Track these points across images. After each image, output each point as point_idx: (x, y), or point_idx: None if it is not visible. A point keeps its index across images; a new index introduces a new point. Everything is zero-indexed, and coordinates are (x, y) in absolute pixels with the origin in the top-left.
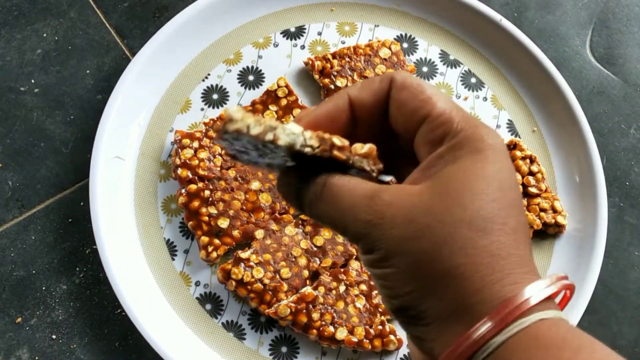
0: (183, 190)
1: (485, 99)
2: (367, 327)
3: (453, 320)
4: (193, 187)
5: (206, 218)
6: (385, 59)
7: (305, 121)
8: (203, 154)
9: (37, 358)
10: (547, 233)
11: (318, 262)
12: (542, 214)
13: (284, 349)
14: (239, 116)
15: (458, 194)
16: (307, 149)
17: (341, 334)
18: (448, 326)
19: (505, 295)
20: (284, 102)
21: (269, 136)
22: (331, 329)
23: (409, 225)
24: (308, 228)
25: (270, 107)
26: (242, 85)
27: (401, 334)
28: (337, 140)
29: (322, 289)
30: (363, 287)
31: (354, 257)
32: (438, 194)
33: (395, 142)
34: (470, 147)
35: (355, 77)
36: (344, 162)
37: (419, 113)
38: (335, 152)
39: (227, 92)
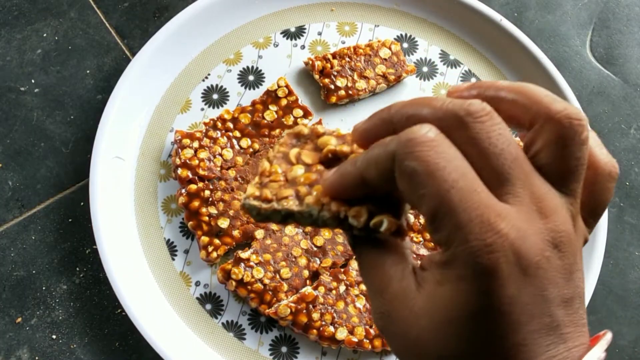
0: (183, 190)
1: None
2: (367, 327)
3: None
4: (193, 187)
5: (206, 218)
6: (385, 59)
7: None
8: (203, 154)
9: (37, 358)
10: None
11: (318, 262)
12: None
13: (284, 349)
14: (250, 191)
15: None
16: (314, 212)
17: (341, 334)
18: None
19: None
20: (284, 102)
21: (279, 207)
22: (331, 329)
23: (405, 346)
24: (308, 228)
25: (270, 107)
26: (242, 85)
27: None
28: (332, 205)
29: (322, 289)
30: (363, 287)
31: (354, 257)
32: (429, 327)
33: None
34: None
35: (356, 77)
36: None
37: (433, 213)
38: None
39: (227, 92)
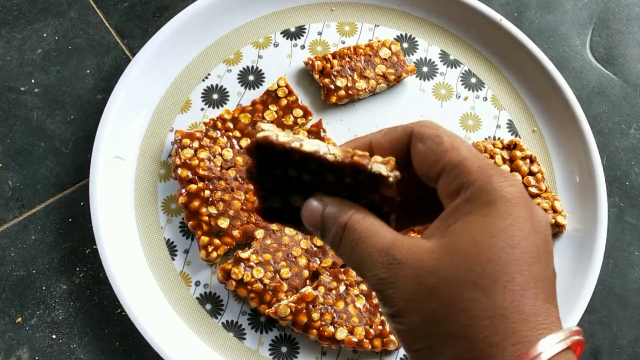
0: (183, 190)
1: (485, 99)
2: (367, 327)
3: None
4: (193, 187)
5: (206, 218)
6: (385, 59)
7: None
8: (203, 154)
9: (37, 358)
10: None
11: (318, 262)
12: None
13: (284, 349)
14: (268, 127)
15: (464, 253)
16: (330, 156)
17: (341, 334)
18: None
19: (507, 357)
20: (284, 102)
21: (295, 144)
22: (331, 329)
23: (418, 286)
24: None
25: (270, 107)
26: (242, 85)
27: None
28: (358, 151)
29: (322, 289)
30: (363, 287)
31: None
32: (446, 253)
33: (423, 189)
34: (481, 200)
35: (356, 77)
36: (364, 170)
37: (438, 165)
38: (356, 158)
39: (227, 92)
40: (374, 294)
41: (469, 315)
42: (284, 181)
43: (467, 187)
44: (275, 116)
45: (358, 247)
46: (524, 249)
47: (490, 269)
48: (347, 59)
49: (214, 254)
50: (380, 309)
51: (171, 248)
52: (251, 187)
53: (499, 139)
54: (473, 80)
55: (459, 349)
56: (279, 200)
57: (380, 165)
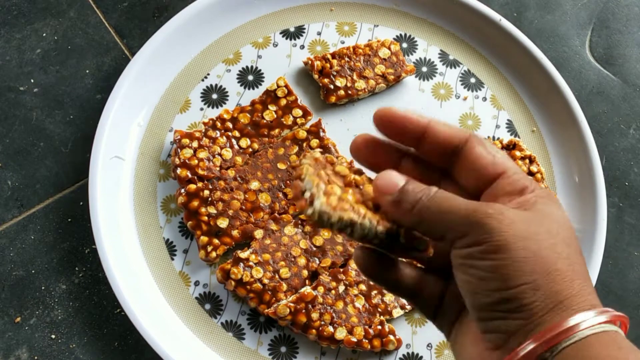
0: (182, 190)
1: (484, 99)
2: (367, 327)
3: (552, 314)
4: (192, 187)
5: (205, 218)
6: (384, 59)
7: (384, 115)
8: (202, 154)
9: (36, 358)
10: None
11: (317, 262)
12: None
13: (283, 349)
14: (319, 203)
15: (552, 223)
16: (374, 229)
17: (340, 333)
18: (546, 319)
19: (584, 307)
20: (283, 102)
21: (348, 230)
22: (330, 328)
23: (527, 227)
24: (307, 228)
25: (269, 106)
26: (241, 85)
27: (400, 334)
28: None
29: (321, 289)
30: (362, 287)
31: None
32: (539, 218)
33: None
34: (545, 198)
35: (355, 76)
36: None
37: (497, 167)
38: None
39: (227, 91)
40: (373, 292)
41: (568, 262)
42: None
43: (532, 190)
44: (275, 116)
45: (449, 201)
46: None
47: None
48: (347, 58)
49: (213, 254)
50: (458, 254)
51: (170, 248)
52: (250, 187)
53: (498, 139)
54: (472, 80)
55: (558, 287)
56: None
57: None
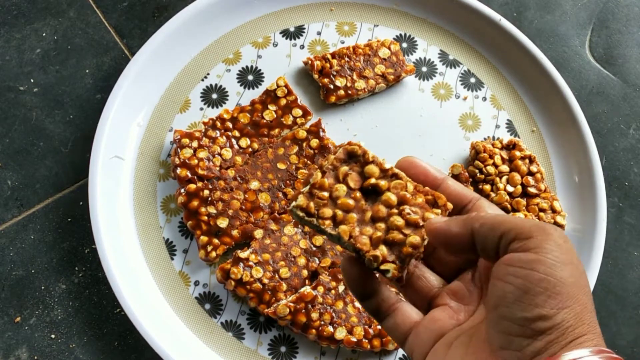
0: (182, 190)
1: (484, 98)
2: (366, 326)
3: (570, 345)
4: (192, 186)
5: (205, 218)
6: (384, 59)
7: (405, 162)
8: (202, 154)
9: (36, 357)
10: None
11: (317, 261)
12: (541, 214)
13: (283, 349)
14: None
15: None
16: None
17: (340, 333)
18: (567, 337)
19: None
20: (283, 101)
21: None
22: (330, 328)
23: (572, 255)
24: (307, 228)
25: (269, 106)
26: (241, 85)
27: None
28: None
29: (321, 289)
30: None
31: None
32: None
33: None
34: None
35: (355, 76)
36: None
37: (498, 230)
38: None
39: (227, 91)
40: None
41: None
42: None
43: (527, 237)
44: (275, 116)
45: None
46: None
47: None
48: (347, 58)
49: (213, 254)
50: (517, 252)
51: (170, 248)
52: (250, 187)
53: (498, 138)
54: (472, 80)
55: (582, 318)
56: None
57: (368, 262)
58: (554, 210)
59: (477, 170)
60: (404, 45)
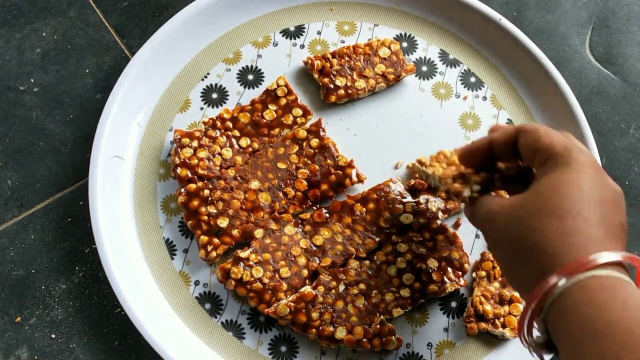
0: (182, 190)
1: (484, 98)
2: (367, 326)
3: (538, 282)
4: (192, 186)
5: (205, 217)
6: (384, 58)
7: (459, 152)
8: (202, 153)
9: (36, 357)
10: None
11: (317, 261)
12: None
13: (283, 349)
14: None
15: (543, 193)
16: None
17: (340, 333)
18: (535, 286)
19: (568, 260)
20: (283, 101)
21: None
22: (330, 328)
23: (507, 219)
24: (307, 227)
25: (269, 106)
26: (241, 85)
27: (400, 333)
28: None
29: (321, 288)
30: (362, 286)
31: (353, 256)
32: (530, 196)
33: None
34: (561, 162)
35: (355, 76)
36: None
37: (535, 146)
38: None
39: (227, 91)
40: (374, 292)
41: (544, 233)
42: None
43: (552, 156)
44: (275, 115)
45: (480, 209)
46: (590, 194)
47: (562, 203)
48: (347, 58)
49: (213, 254)
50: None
51: (170, 247)
52: (250, 186)
53: None
54: (472, 79)
55: (535, 260)
56: None
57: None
58: None
59: None
60: (404, 44)
